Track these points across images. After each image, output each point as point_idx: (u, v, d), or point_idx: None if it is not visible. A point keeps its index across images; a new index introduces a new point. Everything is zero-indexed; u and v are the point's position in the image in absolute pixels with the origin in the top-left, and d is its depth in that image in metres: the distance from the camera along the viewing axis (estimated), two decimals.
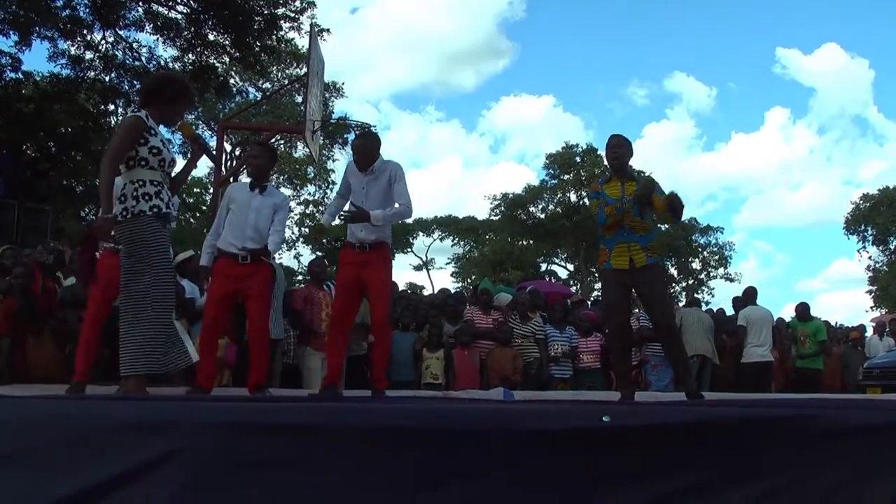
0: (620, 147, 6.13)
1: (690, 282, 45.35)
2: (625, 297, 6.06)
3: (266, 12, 17.59)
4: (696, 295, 43.35)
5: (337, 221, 6.83)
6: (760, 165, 67.87)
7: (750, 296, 11.38)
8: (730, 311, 12.08)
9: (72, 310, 7.55)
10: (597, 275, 43.25)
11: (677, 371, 6.29)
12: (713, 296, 44.78)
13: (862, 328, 14.49)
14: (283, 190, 36.82)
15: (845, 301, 65.74)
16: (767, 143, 67.11)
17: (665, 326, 6.07)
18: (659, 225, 6.27)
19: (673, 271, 43.29)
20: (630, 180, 6.05)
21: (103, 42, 17.85)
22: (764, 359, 10.69)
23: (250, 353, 6.26)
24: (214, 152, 5.19)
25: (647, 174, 6.16)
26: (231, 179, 18.85)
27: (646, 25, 70.03)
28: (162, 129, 4.94)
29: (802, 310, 11.79)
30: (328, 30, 19.48)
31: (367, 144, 6.36)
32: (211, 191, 28.66)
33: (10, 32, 15.26)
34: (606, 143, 6.20)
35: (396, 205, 6.16)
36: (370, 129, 29.50)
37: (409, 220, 48.48)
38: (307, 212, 39.93)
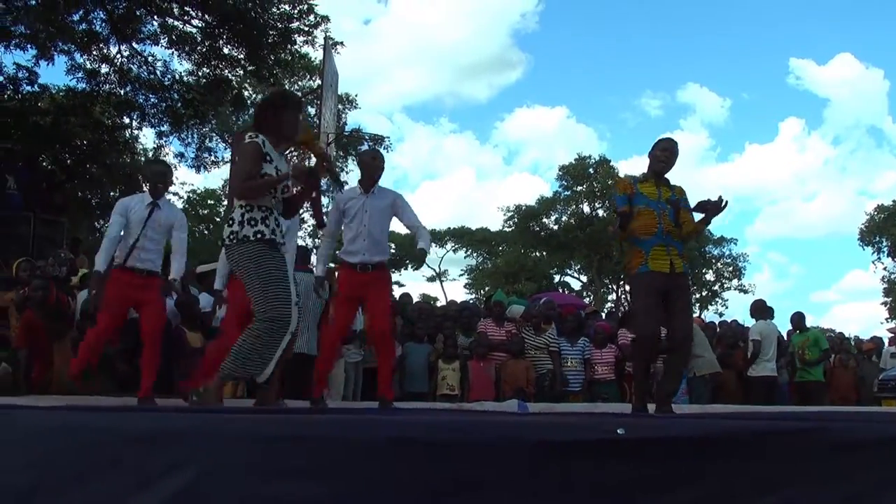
0: (673, 154, 5.96)
1: (704, 293, 45.17)
2: (660, 305, 5.71)
3: (280, 26, 17.65)
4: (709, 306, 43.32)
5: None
6: (774, 176, 67.74)
7: (760, 309, 11.31)
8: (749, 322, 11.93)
9: (92, 322, 7.60)
10: (611, 286, 43.50)
11: (669, 386, 6.06)
12: (727, 307, 44.65)
13: (878, 340, 14.37)
14: None
15: (860, 313, 65.49)
16: (781, 154, 66.95)
17: (683, 340, 5.81)
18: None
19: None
20: (665, 186, 5.93)
21: (119, 56, 17.96)
22: (773, 373, 10.68)
23: None
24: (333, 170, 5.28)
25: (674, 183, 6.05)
26: None
27: (658, 36, 70.02)
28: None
29: (798, 319, 11.66)
30: (342, 43, 19.57)
31: (381, 158, 6.57)
32: (224, 203, 28.80)
33: (28, 46, 15.39)
34: (656, 144, 6.00)
35: (423, 232, 6.55)
36: (383, 139, 29.73)
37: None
38: None
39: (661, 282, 5.68)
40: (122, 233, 6.38)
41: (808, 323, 11.95)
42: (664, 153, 5.93)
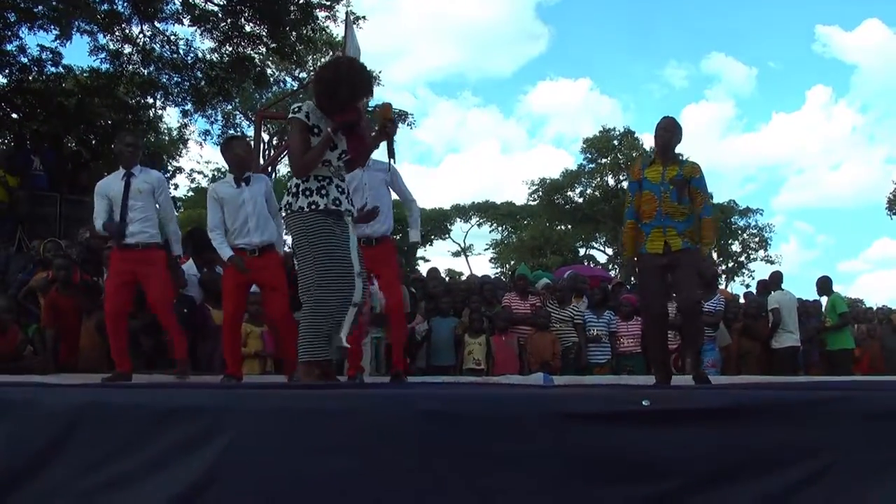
0: (669, 130, 6.12)
1: (730, 265, 44.90)
2: (660, 281, 6.05)
3: (301, 1, 17.58)
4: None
5: None
6: (801, 145, 67.30)
7: (776, 281, 11.23)
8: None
9: None
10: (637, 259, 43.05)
11: (689, 355, 6.27)
12: (753, 278, 44.25)
13: None
14: None
15: (888, 282, 64.70)
16: (808, 123, 66.43)
17: (688, 309, 6.12)
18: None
19: (713, 254, 42.75)
20: (673, 164, 6.07)
21: (141, 35, 17.97)
22: (796, 343, 10.59)
23: (282, 342, 6.36)
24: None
25: (691, 159, 6.11)
26: (269, 169, 18.96)
27: (681, 6, 69.32)
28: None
29: (823, 283, 11.48)
30: (364, 17, 19.48)
31: None
32: None
33: (51, 27, 15.40)
34: (657, 124, 6.17)
35: (413, 205, 6.65)
36: (407, 115, 29.67)
37: (447, 207, 48.77)
38: None
39: (657, 261, 5.99)
40: (106, 212, 6.34)
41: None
42: (658, 131, 6.14)
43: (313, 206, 4.69)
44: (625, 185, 41.56)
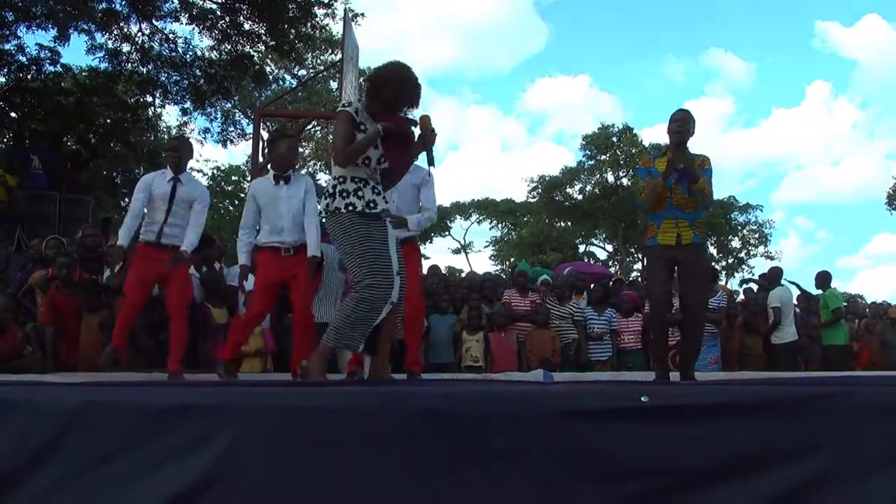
0: (685, 122, 6.09)
1: (730, 261, 44.84)
2: (669, 274, 6.04)
3: None
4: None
5: None
6: (801, 141, 67.14)
7: (777, 277, 11.25)
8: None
9: (118, 297, 7.64)
10: (637, 255, 43.33)
11: (685, 354, 6.23)
12: (753, 274, 44.12)
13: None
14: (320, 176, 37.11)
15: (888, 277, 64.67)
16: (808, 118, 66.31)
17: (695, 307, 6.08)
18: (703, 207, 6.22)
19: (713, 250, 42.73)
20: (683, 157, 6.02)
21: (139, 34, 17.95)
22: (794, 338, 10.60)
23: (295, 337, 6.37)
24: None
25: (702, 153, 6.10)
26: (268, 167, 18.93)
27: (679, 1, 69.24)
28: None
29: (821, 279, 11.54)
30: (363, 14, 19.45)
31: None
32: (249, 179, 28.92)
33: (49, 26, 15.39)
34: (670, 116, 6.15)
35: (428, 213, 6.46)
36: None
37: (447, 204, 48.74)
38: None
39: (668, 254, 5.98)
40: (144, 209, 6.45)
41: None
42: (674, 124, 6.11)
43: (350, 208, 4.72)
44: (625, 181, 41.69)
